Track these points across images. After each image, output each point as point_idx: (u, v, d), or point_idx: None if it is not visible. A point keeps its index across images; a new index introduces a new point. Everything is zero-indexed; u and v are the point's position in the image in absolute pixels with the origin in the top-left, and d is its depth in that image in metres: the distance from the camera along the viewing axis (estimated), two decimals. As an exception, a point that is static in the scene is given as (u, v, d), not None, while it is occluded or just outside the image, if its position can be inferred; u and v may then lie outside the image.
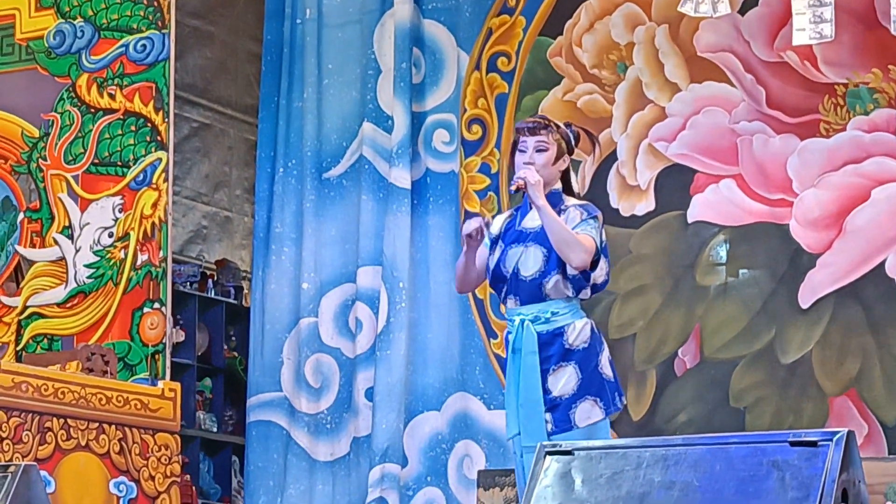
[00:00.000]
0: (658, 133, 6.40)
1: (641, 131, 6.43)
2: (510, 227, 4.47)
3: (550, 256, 4.31)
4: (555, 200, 4.37)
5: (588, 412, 4.30)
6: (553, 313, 4.33)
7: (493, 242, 4.46)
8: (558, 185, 4.43)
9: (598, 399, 4.33)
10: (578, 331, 4.33)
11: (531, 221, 4.41)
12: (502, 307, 4.46)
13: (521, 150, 4.41)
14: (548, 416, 4.29)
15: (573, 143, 4.47)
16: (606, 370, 4.39)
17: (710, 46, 6.34)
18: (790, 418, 6.06)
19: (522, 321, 4.34)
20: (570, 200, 4.43)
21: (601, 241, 4.36)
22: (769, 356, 6.15)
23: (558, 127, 4.44)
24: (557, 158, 4.39)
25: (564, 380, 4.29)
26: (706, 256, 6.29)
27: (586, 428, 4.29)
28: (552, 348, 4.31)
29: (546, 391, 4.31)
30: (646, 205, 6.39)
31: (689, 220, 6.33)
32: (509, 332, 4.43)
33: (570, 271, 4.30)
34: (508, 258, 4.38)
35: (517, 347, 4.34)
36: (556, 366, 4.30)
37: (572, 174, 4.49)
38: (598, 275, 4.37)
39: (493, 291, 4.51)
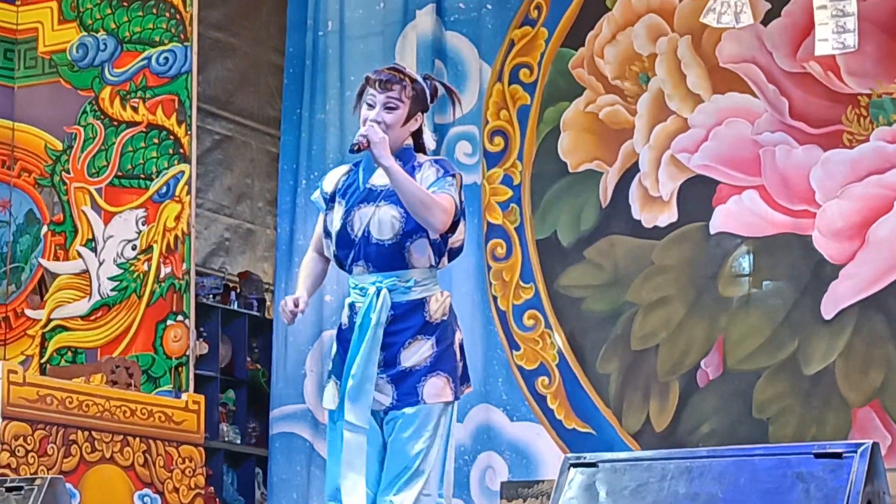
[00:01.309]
0: (680, 144, 6.40)
1: (664, 142, 6.42)
2: (351, 183, 3.99)
3: (408, 218, 3.86)
4: (406, 158, 3.93)
5: (439, 389, 3.88)
6: (416, 282, 3.89)
7: (329, 201, 4.02)
8: (409, 142, 3.98)
9: (450, 378, 3.89)
10: (441, 303, 3.92)
11: (381, 178, 3.92)
12: (351, 280, 3.99)
13: (368, 105, 3.91)
14: (389, 387, 3.88)
15: (429, 99, 3.98)
16: (458, 353, 3.96)
17: (732, 57, 6.33)
18: (813, 429, 6.04)
19: (379, 290, 3.87)
20: (422, 157, 3.98)
21: (460, 202, 3.91)
22: (792, 367, 6.13)
23: (414, 81, 3.94)
24: (409, 118, 3.92)
25: (420, 352, 3.88)
26: (729, 267, 6.28)
27: (434, 406, 3.86)
28: (410, 320, 3.89)
29: (395, 363, 3.88)
30: (668, 216, 6.38)
31: (712, 232, 6.31)
32: (355, 303, 3.93)
33: (433, 235, 3.87)
34: (355, 219, 3.92)
35: (367, 318, 3.86)
36: (413, 338, 3.89)
37: (426, 130, 4.03)
38: (457, 238, 3.95)
39: (334, 260, 4.01)
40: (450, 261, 3.99)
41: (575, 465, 3.36)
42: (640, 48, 6.49)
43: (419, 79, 3.99)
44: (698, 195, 6.34)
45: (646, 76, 6.49)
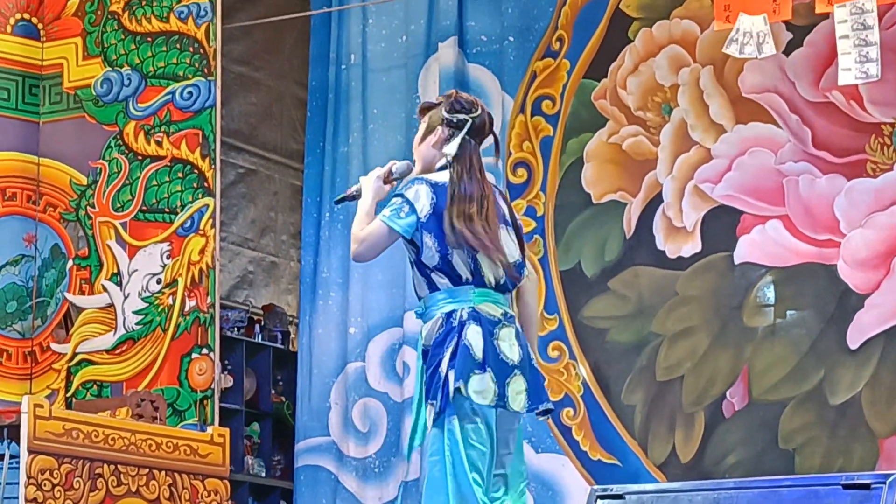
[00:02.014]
0: (704, 174, 6.39)
1: (687, 173, 6.42)
2: None
3: (408, 250, 3.99)
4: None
5: (430, 418, 3.90)
6: (417, 313, 4.02)
7: None
8: (441, 163, 4.01)
9: (434, 402, 3.87)
10: (428, 329, 3.94)
11: None
12: None
13: None
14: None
15: (445, 113, 4.01)
16: (446, 362, 3.87)
17: (755, 87, 6.33)
18: (840, 460, 6.01)
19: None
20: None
21: (414, 218, 3.90)
22: (818, 397, 6.10)
23: (426, 108, 4.08)
24: (428, 133, 4.03)
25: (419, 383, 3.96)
26: (753, 298, 6.26)
27: (432, 433, 3.87)
28: (420, 350, 3.98)
29: None
30: (692, 246, 6.38)
31: (736, 262, 6.30)
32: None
33: (410, 258, 3.96)
34: None
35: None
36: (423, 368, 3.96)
37: (468, 145, 4.01)
38: (426, 256, 3.92)
39: None
40: (450, 278, 3.93)
41: (602, 497, 3.35)
42: (663, 79, 6.50)
43: (432, 103, 4.12)
44: (722, 225, 6.33)
45: (668, 107, 6.50)
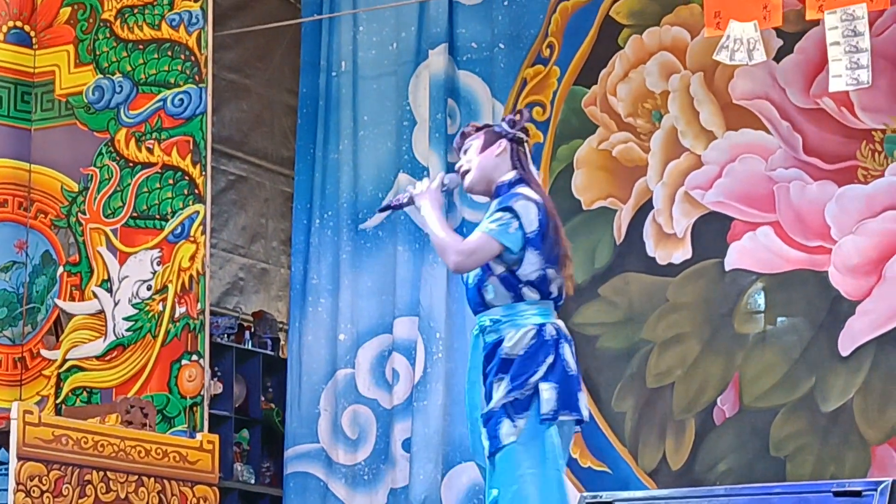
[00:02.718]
0: (694, 181, 6.39)
1: (677, 179, 6.42)
2: None
3: None
4: (501, 193, 4.06)
5: (510, 429, 3.91)
6: (494, 321, 3.99)
7: None
8: (508, 176, 4.08)
9: (527, 413, 3.89)
10: (517, 339, 3.95)
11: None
12: None
13: (456, 169, 4.19)
14: (485, 432, 3.96)
15: (506, 127, 4.12)
16: (543, 376, 3.92)
17: (745, 94, 6.33)
18: (832, 467, 6.00)
19: (475, 333, 4.05)
20: (519, 189, 4.07)
21: (521, 233, 3.95)
22: (809, 404, 6.10)
23: (480, 127, 4.18)
24: (487, 146, 4.10)
25: (499, 393, 3.93)
26: (744, 304, 6.26)
27: (512, 447, 3.87)
28: (494, 359, 3.97)
29: (487, 405, 3.97)
30: (683, 253, 6.37)
31: (727, 268, 6.30)
32: None
33: (498, 271, 3.98)
34: None
35: (469, 362, 4.05)
36: (497, 378, 3.95)
37: (527, 166, 4.12)
38: (528, 271, 3.96)
39: None
40: (541, 292, 3.99)
41: (591, 504, 3.34)
42: (653, 86, 6.50)
43: (489, 124, 4.20)
44: (713, 232, 6.33)
45: (659, 113, 6.50)
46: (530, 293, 3.99)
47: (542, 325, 3.98)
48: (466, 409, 4.06)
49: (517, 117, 4.17)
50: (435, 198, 4.09)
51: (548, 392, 3.91)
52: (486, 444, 3.96)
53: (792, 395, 6.13)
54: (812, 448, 6.07)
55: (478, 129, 4.19)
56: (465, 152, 4.15)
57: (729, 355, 6.23)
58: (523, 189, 4.04)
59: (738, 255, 6.27)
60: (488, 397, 3.97)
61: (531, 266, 3.98)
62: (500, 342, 3.98)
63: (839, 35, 5.40)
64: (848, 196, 6.13)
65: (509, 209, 3.98)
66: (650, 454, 6.27)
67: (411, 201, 4.12)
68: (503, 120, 4.18)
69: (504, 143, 4.11)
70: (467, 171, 4.13)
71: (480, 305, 4.03)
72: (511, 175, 4.09)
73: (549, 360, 3.96)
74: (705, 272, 6.33)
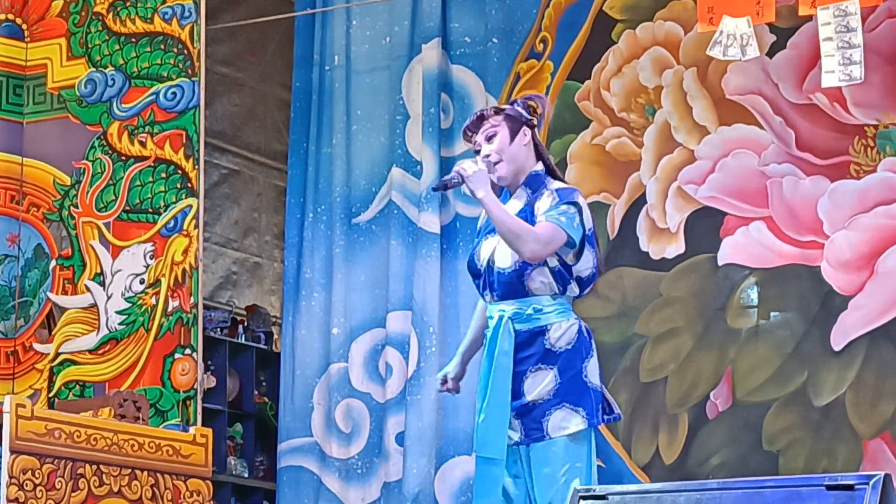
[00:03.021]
0: (687, 176, 6.40)
1: (670, 174, 6.43)
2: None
3: None
4: (535, 185, 4.03)
5: (564, 421, 3.89)
6: (536, 310, 3.93)
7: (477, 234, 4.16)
8: (538, 167, 4.08)
9: (580, 409, 3.90)
10: (564, 331, 3.95)
11: (509, 209, 4.02)
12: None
13: (476, 153, 4.08)
14: (517, 423, 3.90)
15: (525, 113, 4.10)
16: (593, 378, 3.98)
17: (738, 89, 6.34)
18: (824, 461, 6.02)
19: (501, 317, 3.94)
20: (553, 184, 4.06)
21: (582, 229, 3.96)
22: (802, 399, 6.11)
23: (499, 109, 4.12)
24: (514, 134, 4.05)
25: (543, 384, 3.89)
26: (737, 299, 6.27)
27: (561, 440, 3.88)
28: (531, 348, 3.92)
29: (520, 395, 3.90)
30: (676, 248, 6.38)
31: (720, 263, 6.31)
32: (486, 329, 4.01)
33: (552, 263, 3.95)
34: (482, 249, 4.04)
35: (491, 348, 3.94)
36: (535, 367, 3.92)
37: (547, 156, 4.15)
38: (583, 267, 4.00)
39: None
40: (582, 290, 4.02)
41: (585, 498, 3.34)
42: (646, 80, 6.51)
43: (504, 106, 4.13)
44: (706, 227, 6.34)
45: (652, 108, 6.51)
46: (574, 288, 4.01)
47: (580, 321, 4.02)
48: (486, 393, 3.91)
49: (533, 104, 4.13)
50: (486, 179, 3.97)
51: (604, 392, 3.99)
52: (516, 433, 3.90)
53: (784, 389, 6.14)
54: (804, 442, 6.08)
55: (497, 112, 4.12)
56: (489, 140, 4.06)
57: (722, 350, 6.24)
58: (563, 184, 4.04)
59: (731, 249, 6.28)
60: (518, 385, 3.91)
61: (587, 263, 3.99)
62: (540, 331, 3.93)
63: (832, 31, 5.40)
64: (840, 191, 6.14)
65: (574, 203, 3.96)
66: (643, 448, 6.29)
67: (462, 180, 3.98)
68: (514, 103, 4.14)
69: (527, 131, 4.08)
70: (498, 162, 4.05)
71: (516, 292, 3.95)
72: (539, 166, 4.07)
73: (594, 359, 4.00)
74: (698, 267, 6.34)
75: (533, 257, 3.89)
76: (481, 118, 4.09)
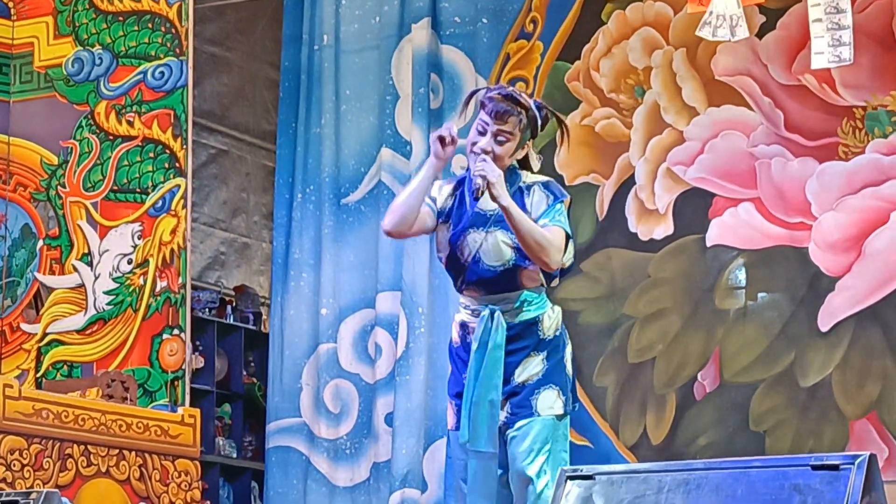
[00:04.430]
0: (676, 157, 6.40)
1: (659, 155, 6.43)
2: (458, 206, 4.04)
3: (520, 247, 3.95)
4: (512, 179, 4.00)
5: (551, 401, 3.95)
6: (527, 302, 3.97)
7: (442, 216, 4.05)
8: (513, 162, 4.04)
9: (561, 392, 3.98)
10: (553, 319, 4.03)
11: (490, 203, 3.97)
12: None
13: (479, 131, 3.97)
14: (506, 404, 3.94)
15: (539, 129, 4.08)
16: (569, 366, 4.05)
17: (727, 70, 6.34)
18: (810, 442, 6.04)
19: (493, 312, 3.95)
20: (528, 177, 4.05)
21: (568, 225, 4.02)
22: (789, 379, 6.13)
23: (528, 110, 4.00)
24: (517, 149, 4.01)
25: (531, 366, 3.95)
26: (725, 280, 6.28)
27: (547, 419, 3.92)
28: (526, 339, 3.97)
29: (510, 381, 3.94)
30: (664, 229, 6.39)
31: (708, 244, 6.31)
32: (467, 323, 4.00)
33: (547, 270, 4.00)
34: (467, 244, 3.99)
35: (483, 340, 3.93)
36: (527, 356, 3.97)
37: (532, 152, 4.10)
38: (568, 258, 4.03)
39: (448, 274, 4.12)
40: (561, 278, 4.07)
41: (572, 478, 3.35)
42: (636, 61, 6.50)
43: (533, 107, 4.03)
44: (694, 208, 6.34)
45: (641, 89, 6.50)
46: (557, 280, 4.06)
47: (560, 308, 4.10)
48: (476, 389, 3.92)
49: (554, 120, 4.16)
50: (500, 175, 3.93)
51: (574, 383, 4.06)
52: (503, 413, 3.93)
53: (772, 370, 6.16)
54: (791, 423, 6.10)
55: (522, 123, 4.00)
56: (499, 142, 3.96)
57: (710, 331, 6.25)
58: (540, 177, 4.07)
59: (720, 230, 6.28)
60: (509, 374, 3.95)
61: (570, 254, 4.03)
62: (534, 322, 3.97)
63: (821, 12, 5.39)
64: (829, 173, 6.15)
65: (563, 199, 4.02)
66: (631, 429, 6.30)
67: (486, 187, 3.89)
68: (541, 109, 4.07)
69: (528, 147, 4.06)
70: (506, 142, 3.97)
71: (502, 287, 3.97)
72: (514, 162, 4.05)
73: (570, 346, 4.07)
74: (687, 248, 6.35)
75: (555, 266, 3.93)
76: (510, 115, 3.97)
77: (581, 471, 3.38)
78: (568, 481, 3.35)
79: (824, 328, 6.09)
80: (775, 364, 6.14)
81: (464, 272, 4.00)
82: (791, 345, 6.13)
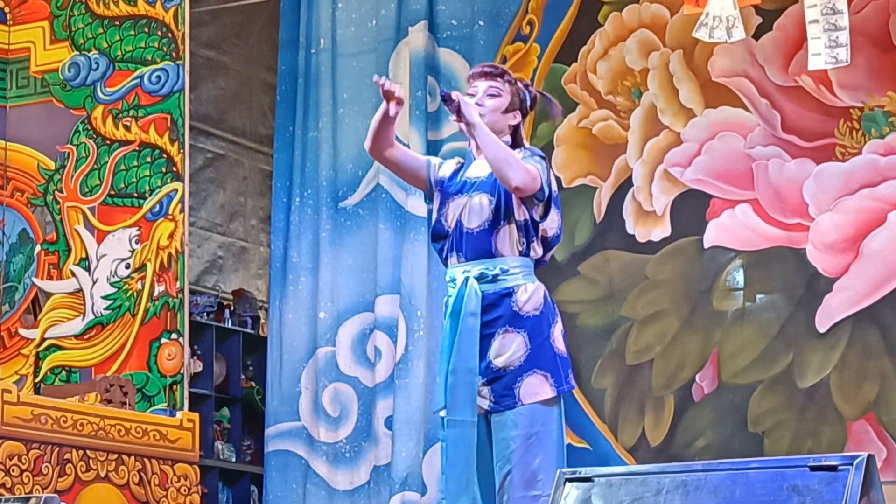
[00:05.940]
0: (673, 159, 6.41)
1: (657, 157, 6.43)
2: (453, 177, 4.06)
3: (498, 205, 3.90)
4: None
5: (535, 388, 3.83)
6: (503, 270, 3.87)
7: (437, 185, 4.07)
8: (507, 139, 4.00)
9: (549, 375, 3.85)
10: (530, 293, 3.89)
11: (476, 171, 4.00)
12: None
13: (470, 95, 4.01)
14: (485, 389, 3.83)
15: (528, 103, 4.08)
16: (559, 343, 3.92)
17: (724, 71, 6.34)
18: (809, 443, 6.04)
19: (466, 279, 3.87)
20: (518, 153, 3.99)
21: (549, 186, 3.92)
22: (787, 381, 6.13)
23: (516, 81, 4.07)
24: (508, 110, 4.01)
25: (512, 349, 3.83)
26: (723, 281, 6.28)
27: (533, 406, 3.82)
28: (498, 310, 3.86)
29: (487, 359, 3.84)
30: (662, 230, 6.39)
31: (706, 246, 6.32)
32: (448, 296, 3.94)
33: (520, 218, 3.91)
34: (450, 210, 3.98)
35: (456, 308, 3.85)
36: (503, 330, 3.85)
37: (522, 133, 4.10)
38: (550, 225, 3.95)
39: (435, 249, 4.09)
40: (545, 252, 3.98)
41: (570, 480, 3.35)
42: (633, 63, 6.51)
43: (520, 83, 4.09)
44: (692, 209, 6.35)
45: (638, 91, 6.51)
46: (538, 248, 3.95)
47: (543, 286, 3.96)
48: (451, 357, 3.84)
49: (533, 94, 4.12)
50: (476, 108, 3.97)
51: (569, 361, 3.92)
52: (486, 400, 3.84)
53: (770, 371, 6.16)
54: (789, 424, 6.10)
55: (511, 82, 4.06)
56: (490, 95, 4.00)
57: (707, 332, 6.25)
58: (533, 148, 4.05)
59: (717, 232, 6.29)
60: (486, 348, 3.86)
61: (553, 222, 3.96)
62: (507, 293, 3.88)
63: (818, 13, 5.40)
64: (826, 174, 6.15)
65: (544, 159, 3.97)
66: (629, 430, 6.30)
67: (459, 105, 3.92)
68: (528, 87, 4.11)
69: (518, 115, 4.06)
70: (496, 97, 4.01)
71: (482, 252, 3.91)
72: (507, 139, 4.02)
73: (559, 324, 3.94)
74: (684, 249, 6.35)
75: (523, 186, 3.82)
76: (499, 75, 4.06)
77: (579, 473, 3.37)
78: (566, 483, 3.35)
79: (822, 329, 6.09)
80: (773, 365, 6.15)
81: (447, 240, 3.97)
82: (789, 346, 6.13)
